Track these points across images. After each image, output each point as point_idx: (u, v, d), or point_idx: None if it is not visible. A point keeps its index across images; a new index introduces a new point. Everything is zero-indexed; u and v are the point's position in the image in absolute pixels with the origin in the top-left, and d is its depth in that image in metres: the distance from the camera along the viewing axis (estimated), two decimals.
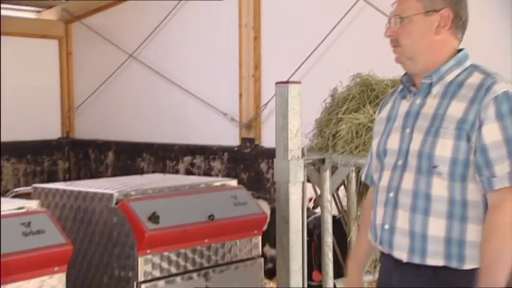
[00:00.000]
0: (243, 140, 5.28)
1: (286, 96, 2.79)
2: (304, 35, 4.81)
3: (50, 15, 6.30)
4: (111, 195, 2.40)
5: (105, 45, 6.03)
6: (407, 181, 1.60)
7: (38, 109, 6.02)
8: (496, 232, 1.48)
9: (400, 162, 1.62)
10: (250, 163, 5.22)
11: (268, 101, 4.91)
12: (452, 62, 1.61)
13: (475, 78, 1.58)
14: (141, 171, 5.82)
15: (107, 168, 6.17)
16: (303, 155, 2.85)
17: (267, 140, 5.04)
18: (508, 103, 1.52)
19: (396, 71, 3.29)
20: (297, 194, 2.82)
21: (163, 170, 5.71)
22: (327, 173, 2.96)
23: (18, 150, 5.95)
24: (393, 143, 1.65)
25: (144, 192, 2.49)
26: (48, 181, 6.03)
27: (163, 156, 5.75)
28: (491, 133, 1.52)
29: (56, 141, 6.31)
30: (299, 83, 2.87)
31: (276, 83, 2.86)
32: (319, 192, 3.02)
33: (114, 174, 5.94)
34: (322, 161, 2.97)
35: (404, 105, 1.67)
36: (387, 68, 3.53)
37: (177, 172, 5.66)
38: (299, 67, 4.77)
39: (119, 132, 6.05)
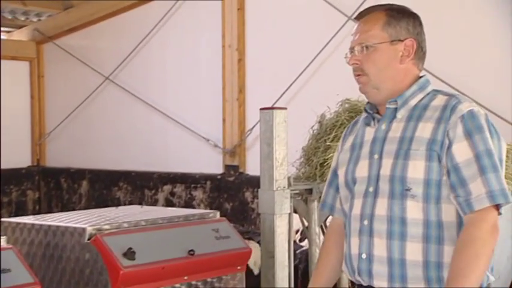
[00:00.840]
0: (227, 167, 5.28)
1: (272, 123, 2.81)
2: (291, 57, 4.87)
3: (20, 35, 6.32)
4: (84, 229, 2.39)
5: (79, 67, 6.04)
6: (381, 207, 1.65)
7: (6, 135, 5.96)
8: (469, 244, 1.54)
9: (371, 189, 1.67)
10: (234, 192, 5.22)
11: (253, 126, 4.94)
12: (415, 87, 1.71)
13: (439, 100, 1.68)
14: (117, 202, 5.77)
15: (80, 199, 6.12)
16: (289, 185, 2.86)
17: (252, 168, 5.05)
18: (474, 120, 1.62)
19: None
20: (282, 226, 2.82)
21: (141, 200, 5.68)
22: (315, 204, 2.98)
23: None
24: (362, 170, 1.71)
25: (119, 226, 2.48)
26: (16, 213, 5.96)
27: (142, 185, 5.73)
28: (461, 151, 1.60)
29: (25, 170, 6.26)
30: (285, 108, 2.90)
31: (261, 109, 2.88)
32: (306, 224, 3.03)
33: (88, 205, 5.89)
34: (310, 191, 2.98)
35: (369, 132, 1.74)
36: None
37: (156, 202, 5.63)
38: (285, 91, 4.81)
39: (93, 159, 6.03)
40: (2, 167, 5.97)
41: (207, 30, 5.37)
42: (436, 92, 1.72)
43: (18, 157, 6.19)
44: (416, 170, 1.62)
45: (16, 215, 5.78)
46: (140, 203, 5.56)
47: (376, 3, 1.82)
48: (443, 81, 4.03)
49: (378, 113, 1.75)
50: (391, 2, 1.78)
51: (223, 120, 5.25)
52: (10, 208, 6.03)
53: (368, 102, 1.77)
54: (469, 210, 1.58)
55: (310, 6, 4.78)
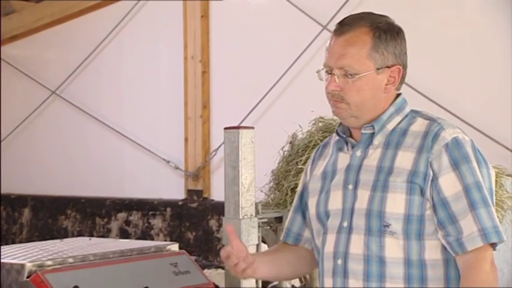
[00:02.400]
0: (189, 192, 5.27)
1: (237, 144, 2.82)
2: (260, 70, 4.92)
3: None
4: (23, 265, 2.35)
5: (22, 79, 6.00)
6: (356, 244, 1.65)
7: None
8: None
9: (345, 224, 1.67)
10: (197, 220, 5.21)
11: (219, 147, 4.96)
12: (392, 109, 1.72)
13: (419, 124, 1.69)
14: (64, 232, 5.70)
15: (21, 229, 6.03)
16: (257, 212, 2.87)
17: (218, 193, 5.05)
18: (459, 149, 1.63)
19: None
20: None
21: (92, 230, 5.62)
22: None
23: None
24: (335, 202, 1.70)
25: (64, 262, 2.45)
26: None
27: (93, 212, 5.67)
28: (449, 185, 1.61)
29: None
30: (252, 128, 2.92)
31: (225, 129, 2.90)
32: None
33: (30, 237, 5.80)
34: (280, 219, 2.99)
35: (343, 158, 1.74)
36: None
37: (108, 232, 5.58)
38: (254, 108, 4.85)
39: (37, 184, 5.95)
40: None
41: (167, 39, 5.39)
42: (414, 113, 1.73)
43: None
44: (396, 204, 1.62)
45: None
46: (91, 234, 5.50)
47: (353, 11, 1.80)
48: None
49: (351, 136, 1.75)
50: (370, 10, 1.77)
51: (185, 139, 5.26)
52: None
53: (341, 124, 1.77)
54: (461, 251, 1.59)
55: (281, 14, 4.85)
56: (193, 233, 5.22)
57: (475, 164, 1.63)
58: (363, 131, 1.71)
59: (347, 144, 1.74)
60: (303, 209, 1.85)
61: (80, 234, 5.60)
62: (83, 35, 5.75)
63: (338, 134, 1.76)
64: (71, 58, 5.77)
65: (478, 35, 4.18)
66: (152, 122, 5.49)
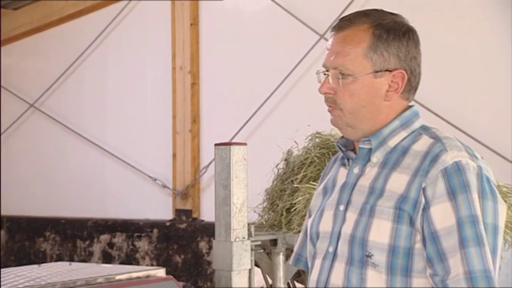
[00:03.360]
0: (178, 212, 5.27)
1: (229, 161, 2.83)
2: (253, 81, 4.94)
3: None
4: None
5: None
6: (337, 274, 1.58)
7: None
8: None
9: (331, 249, 1.61)
10: (186, 242, 5.20)
11: (210, 163, 4.96)
12: (397, 122, 1.60)
13: (423, 143, 1.57)
14: (42, 256, 5.68)
15: None
16: (249, 235, 2.87)
17: (208, 213, 5.05)
18: (459, 175, 1.50)
19: None
20: (242, 285, 2.82)
21: (72, 253, 5.60)
22: (280, 258, 2.98)
23: None
24: (326, 223, 1.64)
25: None
26: None
27: (73, 234, 5.66)
28: (442, 216, 1.50)
29: None
30: (244, 144, 2.92)
31: (216, 145, 2.91)
32: (270, 281, 3.03)
33: (6, 261, 5.77)
34: (274, 242, 2.99)
35: (342, 175, 1.67)
36: None
37: (90, 255, 5.56)
38: (246, 122, 4.85)
39: (13, 204, 5.93)
40: None
41: (154, 48, 5.41)
42: (422, 130, 1.60)
43: None
44: (380, 232, 1.52)
45: None
46: (71, 257, 5.48)
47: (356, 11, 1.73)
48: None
49: (353, 149, 1.66)
50: (377, 8, 1.64)
51: (174, 155, 5.26)
52: None
53: (342, 137, 1.68)
54: None
55: (276, 23, 4.88)
56: (182, 256, 5.21)
57: (475, 195, 1.50)
58: (360, 145, 1.61)
59: (348, 159, 1.66)
60: None
61: (59, 258, 5.59)
62: (64, 44, 5.76)
63: (339, 148, 1.67)
64: (51, 69, 5.78)
65: (479, 46, 4.23)
66: (138, 136, 5.49)
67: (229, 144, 2.90)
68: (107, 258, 5.48)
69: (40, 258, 5.60)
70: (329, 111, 1.63)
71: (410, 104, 1.64)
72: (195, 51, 5.20)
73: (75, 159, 5.72)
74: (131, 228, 5.42)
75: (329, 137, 3.17)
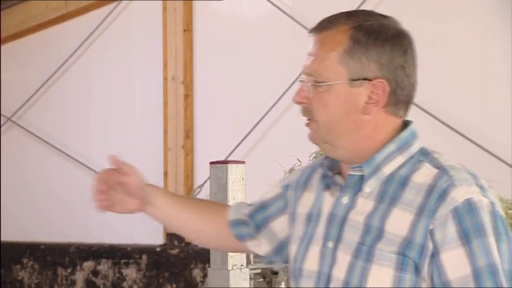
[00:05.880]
0: (169, 236, 5.26)
1: (225, 181, 2.85)
2: (252, 93, 4.96)
3: None
4: None
5: None
6: None
7: None
8: None
9: None
10: (178, 270, 5.19)
11: (204, 183, 4.96)
12: (393, 146, 1.52)
13: (425, 173, 1.48)
14: (19, 285, 5.67)
15: None
16: (248, 262, 2.88)
17: None
18: (473, 217, 1.43)
19: None
20: None
21: (52, 282, 5.59)
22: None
23: None
24: (312, 261, 1.56)
25: None
26: None
27: (54, 261, 5.65)
28: (455, 264, 1.42)
29: None
30: (242, 162, 2.94)
31: (211, 163, 2.92)
32: None
33: None
34: (275, 270, 3.00)
35: (327, 201, 1.58)
36: None
37: (73, 284, 5.56)
38: (244, 138, 4.86)
39: None
40: None
41: (144, 56, 5.43)
42: (422, 156, 1.52)
43: None
44: (380, 280, 1.45)
45: None
46: (51, 287, 5.47)
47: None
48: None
49: (339, 173, 1.58)
50: (371, 10, 1.60)
51: (165, 173, 5.26)
52: None
53: (327, 156, 1.60)
54: None
55: (278, 29, 4.91)
56: (174, 285, 5.21)
57: (492, 238, 1.42)
58: (350, 172, 1.53)
59: (335, 183, 1.58)
60: (263, 221, 1.74)
61: (38, 287, 5.57)
62: (44, 53, 5.78)
63: (323, 168, 1.60)
64: (30, 79, 5.80)
65: (475, 45, 4.30)
66: (126, 153, 5.43)
67: (225, 162, 2.92)
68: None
69: None
70: (306, 125, 1.57)
71: (407, 119, 1.56)
72: (188, 59, 5.22)
73: (57, 178, 5.72)
74: (118, 254, 5.42)
75: None
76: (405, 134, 1.53)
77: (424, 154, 1.53)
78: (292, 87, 4.72)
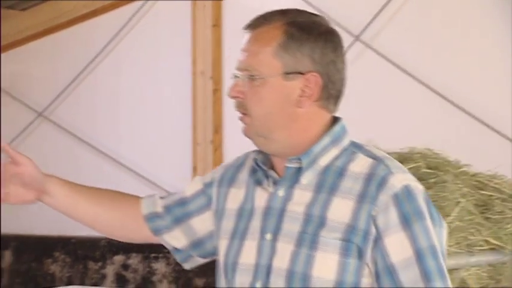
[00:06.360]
0: None
1: None
2: None
3: None
4: None
5: (4, 100, 6.05)
6: None
7: None
8: None
9: (258, 285, 1.54)
10: (207, 264, 5.19)
11: None
12: (327, 139, 1.57)
13: (361, 163, 1.54)
14: (51, 278, 5.72)
15: (0, 275, 6.05)
16: None
17: None
18: (412, 202, 1.49)
19: (405, 140, 3.42)
20: None
21: (83, 276, 5.63)
22: None
23: None
24: (248, 254, 1.57)
25: None
26: None
27: (85, 255, 5.69)
28: (398, 248, 1.48)
29: None
30: None
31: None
32: None
33: (11, 284, 5.83)
34: None
35: (260, 196, 1.60)
36: (393, 135, 3.65)
37: (103, 278, 5.59)
38: None
39: (20, 222, 5.99)
40: None
41: (172, 52, 5.44)
42: (355, 148, 1.58)
43: None
44: (325, 267, 1.48)
45: None
46: (82, 281, 5.51)
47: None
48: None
49: (272, 168, 1.60)
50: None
51: (194, 168, 5.28)
52: None
53: (259, 151, 1.62)
54: None
55: None
56: (203, 280, 5.22)
57: (429, 222, 1.49)
58: (287, 165, 1.56)
59: (267, 178, 1.60)
60: (181, 215, 1.73)
61: (69, 281, 5.62)
62: (74, 48, 5.81)
63: (255, 163, 1.62)
64: (61, 75, 5.83)
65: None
66: (155, 148, 5.52)
67: None
68: (120, 282, 5.51)
69: (48, 282, 5.64)
70: (240, 119, 1.60)
71: (336, 115, 1.61)
72: (217, 55, 5.23)
73: (87, 173, 5.76)
74: (148, 249, 5.44)
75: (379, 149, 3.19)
76: (337, 128, 1.59)
77: (357, 146, 1.59)
78: None
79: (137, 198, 1.81)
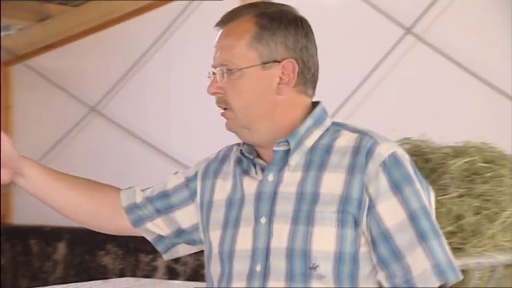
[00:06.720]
0: None
1: None
2: (331, 82, 4.89)
3: None
4: None
5: (57, 94, 6.15)
6: None
7: None
8: None
9: (258, 268, 1.56)
10: None
11: None
12: (310, 121, 1.61)
13: (346, 139, 1.58)
14: (103, 270, 5.78)
15: (55, 267, 6.14)
16: None
17: None
18: (400, 168, 1.53)
19: (459, 134, 3.38)
20: None
21: (135, 268, 5.68)
22: None
23: None
24: (244, 241, 1.59)
25: None
26: None
27: (136, 248, 5.73)
28: (391, 212, 1.52)
29: None
30: None
31: None
32: None
33: (65, 275, 5.91)
34: None
35: (249, 184, 1.63)
36: (447, 129, 3.61)
37: (154, 271, 5.64)
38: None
39: None
40: None
41: None
42: (337, 126, 1.62)
43: None
44: (324, 239, 1.51)
45: None
46: (133, 273, 5.56)
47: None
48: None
49: (258, 156, 1.64)
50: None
51: None
52: None
53: (244, 143, 1.66)
54: None
55: (357, 16, 4.86)
56: None
57: (418, 185, 1.54)
58: (275, 148, 1.59)
59: (255, 166, 1.63)
60: (170, 205, 1.75)
61: (121, 273, 5.66)
62: (125, 44, 5.87)
63: (243, 155, 1.64)
64: (113, 69, 5.89)
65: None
66: (205, 143, 5.52)
67: None
68: (171, 275, 5.54)
69: (101, 273, 5.69)
70: (222, 114, 1.65)
71: (315, 100, 1.66)
72: None
73: (139, 167, 5.81)
74: None
75: (419, 142, 3.15)
76: (318, 110, 1.63)
77: (339, 125, 1.63)
78: (371, 76, 4.69)
79: (116, 189, 1.82)
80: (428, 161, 3.07)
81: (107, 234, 5.76)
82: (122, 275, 5.61)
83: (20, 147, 6.06)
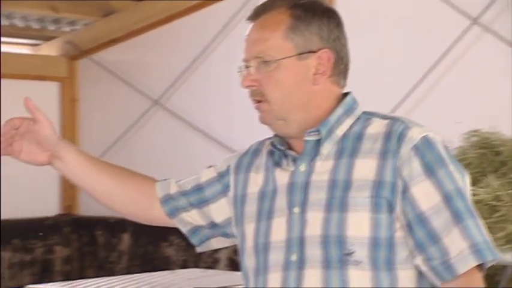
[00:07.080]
0: None
1: None
2: (393, 73, 4.87)
3: (49, 49, 6.60)
4: None
5: (121, 88, 6.24)
6: (312, 281, 1.54)
7: (29, 176, 5.87)
8: None
9: (294, 258, 1.57)
10: None
11: None
12: (340, 110, 1.63)
13: (377, 125, 1.60)
14: (166, 261, 5.85)
15: (120, 257, 6.25)
16: None
17: None
18: (432, 151, 1.54)
19: None
20: None
21: (197, 260, 5.73)
22: None
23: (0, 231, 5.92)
24: (278, 232, 1.60)
25: None
26: (42, 275, 6.15)
27: None
28: (425, 195, 1.52)
29: (52, 220, 6.41)
30: None
31: None
32: None
33: (130, 266, 6.00)
34: None
35: (282, 176, 1.64)
36: None
37: (216, 262, 5.68)
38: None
39: None
40: (23, 216, 6.14)
41: None
42: (368, 115, 1.64)
43: (43, 204, 6.35)
44: (359, 225, 1.52)
45: (41, 278, 5.98)
46: (196, 264, 5.61)
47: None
48: None
49: (290, 148, 1.65)
50: None
51: None
52: (33, 269, 6.18)
53: (276, 135, 1.68)
54: (450, 276, 1.49)
55: (419, 5, 4.80)
56: None
57: (451, 167, 1.54)
58: (306, 138, 1.61)
59: (286, 157, 1.64)
60: (205, 198, 1.77)
61: (184, 264, 5.74)
62: (189, 37, 5.90)
63: (275, 147, 1.66)
64: (175, 63, 5.95)
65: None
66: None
67: None
68: (233, 266, 5.57)
69: (164, 264, 5.77)
70: (256, 108, 1.68)
71: (346, 91, 1.67)
72: None
73: (200, 160, 5.84)
74: None
75: (489, 135, 3.10)
76: (348, 99, 1.65)
77: (369, 113, 1.65)
78: (436, 68, 4.62)
79: (152, 179, 1.84)
80: (499, 154, 3.02)
81: (169, 227, 5.86)
82: (184, 266, 5.68)
83: (85, 139, 6.27)
